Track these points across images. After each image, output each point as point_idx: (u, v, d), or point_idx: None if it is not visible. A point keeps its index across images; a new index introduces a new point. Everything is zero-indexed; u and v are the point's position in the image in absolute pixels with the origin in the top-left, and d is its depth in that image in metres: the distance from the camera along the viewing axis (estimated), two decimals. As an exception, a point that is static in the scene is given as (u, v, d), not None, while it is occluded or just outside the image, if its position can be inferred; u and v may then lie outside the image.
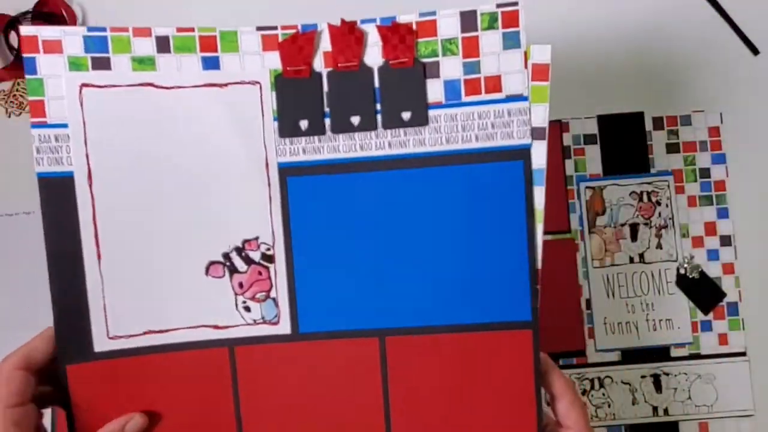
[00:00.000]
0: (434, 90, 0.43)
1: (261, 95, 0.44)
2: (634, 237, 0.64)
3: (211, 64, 0.44)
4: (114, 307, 0.44)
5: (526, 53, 0.43)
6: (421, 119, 0.43)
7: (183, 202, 0.44)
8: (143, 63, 0.43)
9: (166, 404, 0.44)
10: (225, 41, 0.43)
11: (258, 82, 0.44)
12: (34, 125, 0.43)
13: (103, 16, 0.67)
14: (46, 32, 0.43)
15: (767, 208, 0.65)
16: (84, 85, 0.43)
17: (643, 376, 0.63)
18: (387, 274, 0.44)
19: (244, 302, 0.45)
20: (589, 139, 0.65)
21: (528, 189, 0.43)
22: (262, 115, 0.44)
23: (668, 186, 0.65)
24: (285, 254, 0.44)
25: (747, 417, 0.63)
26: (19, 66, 0.64)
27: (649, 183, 0.65)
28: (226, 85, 0.44)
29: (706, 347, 0.64)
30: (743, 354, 0.64)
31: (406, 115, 0.43)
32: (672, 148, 0.65)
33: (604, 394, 0.63)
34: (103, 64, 0.43)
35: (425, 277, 0.44)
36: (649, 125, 0.65)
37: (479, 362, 0.44)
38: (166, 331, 0.44)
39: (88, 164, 0.43)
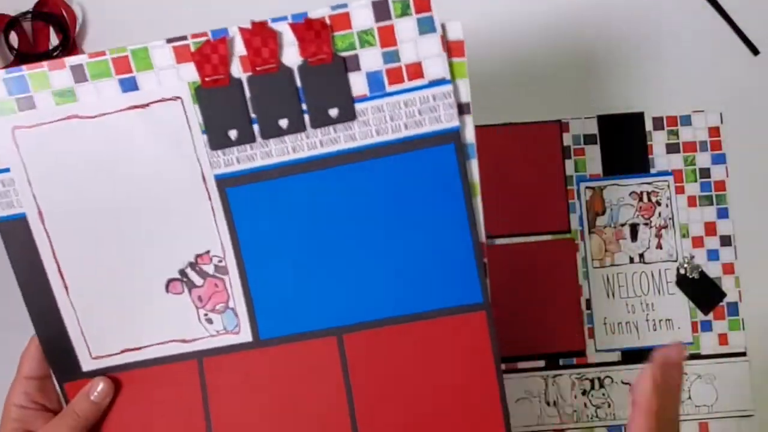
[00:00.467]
0: (357, 83, 0.43)
1: (184, 110, 0.43)
2: (634, 237, 0.64)
3: (129, 85, 0.43)
4: (90, 330, 0.46)
5: (442, 36, 0.43)
6: (348, 114, 0.43)
7: (133, 226, 0.45)
8: (64, 96, 0.43)
9: (142, 418, 0.46)
10: (138, 59, 0.43)
11: (179, 97, 0.43)
12: None
13: (103, 16, 0.67)
14: None
15: (767, 208, 0.65)
16: (16, 127, 0.43)
17: (643, 376, 0.63)
18: (336, 271, 0.44)
19: (206, 314, 0.46)
20: (589, 139, 0.65)
21: (462, 170, 0.44)
22: (190, 130, 0.43)
23: (668, 186, 0.65)
24: (237, 264, 0.45)
25: (747, 417, 0.63)
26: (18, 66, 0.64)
27: (649, 183, 0.65)
28: (147, 105, 0.43)
29: (706, 347, 0.64)
30: (743, 354, 0.64)
31: (333, 112, 0.43)
32: (672, 148, 0.65)
33: (604, 394, 0.63)
34: (28, 103, 0.43)
35: (374, 271, 0.44)
36: (649, 125, 0.65)
37: (437, 350, 0.45)
38: (141, 348, 0.46)
39: (37, 203, 0.44)
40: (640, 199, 0.65)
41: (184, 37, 0.42)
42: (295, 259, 0.45)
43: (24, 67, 0.43)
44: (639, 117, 0.65)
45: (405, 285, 0.44)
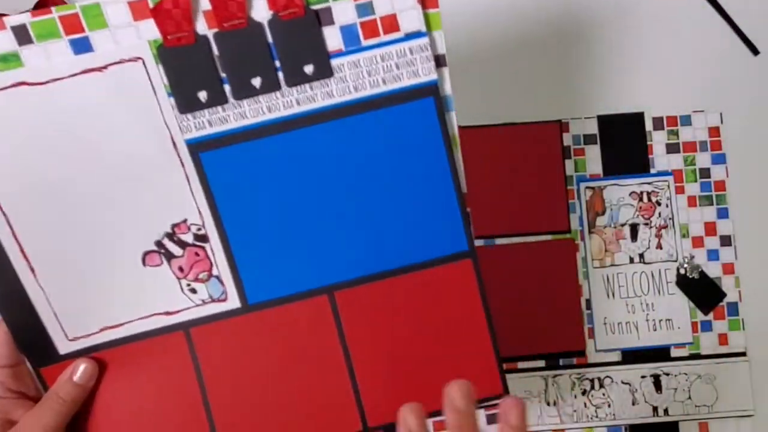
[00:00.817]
0: (331, 37, 0.41)
1: (147, 71, 0.40)
2: (634, 237, 0.64)
3: (82, 46, 0.39)
4: (64, 312, 0.43)
5: None
6: (325, 71, 0.41)
7: (101, 200, 0.42)
8: (7, 61, 0.39)
9: (134, 395, 0.45)
10: (89, 17, 0.39)
11: (139, 58, 0.39)
12: None
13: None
14: None
15: (767, 208, 0.65)
16: None
17: (643, 376, 0.63)
18: (322, 231, 0.44)
19: (189, 284, 0.44)
20: (589, 139, 0.65)
21: (442, 122, 0.43)
22: (155, 93, 0.40)
23: (668, 186, 0.65)
24: (217, 231, 0.43)
25: (747, 417, 0.63)
26: None
27: (649, 183, 0.65)
28: (104, 67, 0.39)
29: (706, 347, 0.64)
30: (743, 354, 0.64)
31: (308, 69, 0.41)
32: (672, 148, 0.65)
33: (604, 394, 0.63)
34: None
35: (360, 228, 0.44)
36: (649, 125, 0.65)
37: (428, 300, 0.45)
38: (121, 324, 0.44)
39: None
40: (640, 199, 0.65)
41: None
42: (278, 221, 0.43)
43: None
44: (639, 117, 0.65)
45: (393, 239, 0.44)
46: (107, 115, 0.40)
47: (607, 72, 0.66)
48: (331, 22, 0.41)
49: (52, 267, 0.43)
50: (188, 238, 0.43)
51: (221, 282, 0.44)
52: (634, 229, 0.64)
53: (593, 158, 0.65)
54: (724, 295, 0.64)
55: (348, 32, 0.41)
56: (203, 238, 0.43)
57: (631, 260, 0.64)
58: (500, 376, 0.46)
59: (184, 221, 0.43)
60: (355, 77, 0.41)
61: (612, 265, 0.64)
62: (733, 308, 0.64)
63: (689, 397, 0.63)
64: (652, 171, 0.65)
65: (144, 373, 0.45)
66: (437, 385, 0.41)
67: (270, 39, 0.40)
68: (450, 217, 0.44)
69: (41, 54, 0.39)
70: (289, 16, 0.40)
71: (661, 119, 0.65)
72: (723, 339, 0.64)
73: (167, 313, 0.44)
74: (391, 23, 0.41)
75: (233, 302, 0.44)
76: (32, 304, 0.43)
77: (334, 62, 0.41)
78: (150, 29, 0.39)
